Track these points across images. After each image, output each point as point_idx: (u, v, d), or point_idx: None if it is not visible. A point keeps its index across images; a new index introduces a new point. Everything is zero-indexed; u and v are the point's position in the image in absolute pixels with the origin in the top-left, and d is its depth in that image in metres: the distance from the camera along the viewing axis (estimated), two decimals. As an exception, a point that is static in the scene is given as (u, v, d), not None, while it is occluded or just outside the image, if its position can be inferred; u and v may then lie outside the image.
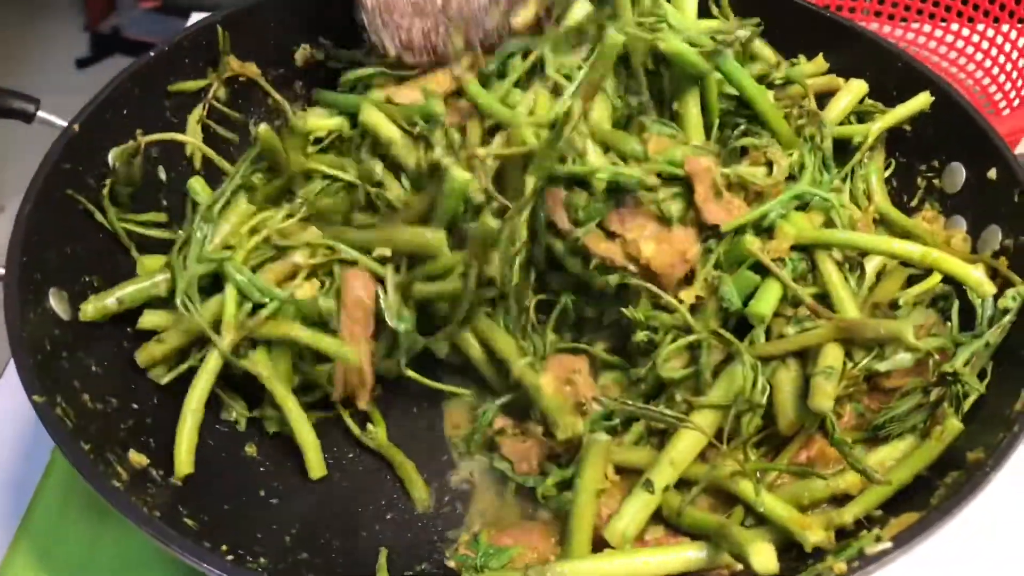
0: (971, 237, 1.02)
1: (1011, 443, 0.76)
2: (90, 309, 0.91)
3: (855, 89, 1.09)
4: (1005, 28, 1.45)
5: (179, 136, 1.05)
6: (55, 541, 0.95)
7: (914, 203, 1.10)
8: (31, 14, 3.31)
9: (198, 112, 1.08)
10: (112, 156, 0.98)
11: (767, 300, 0.88)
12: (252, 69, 1.12)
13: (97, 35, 3.15)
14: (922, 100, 1.05)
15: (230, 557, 0.82)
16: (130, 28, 3.19)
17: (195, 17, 1.26)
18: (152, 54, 1.02)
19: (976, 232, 1.01)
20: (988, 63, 1.47)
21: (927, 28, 1.52)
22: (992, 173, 0.99)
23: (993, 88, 1.45)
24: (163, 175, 1.05)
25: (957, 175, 1.05)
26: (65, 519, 0.97)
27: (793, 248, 0.91)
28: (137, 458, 0.86)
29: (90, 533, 0.96)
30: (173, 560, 0.93)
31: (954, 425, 0.84)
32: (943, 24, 1.51)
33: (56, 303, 0.88)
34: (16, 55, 3.07)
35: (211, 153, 1.08)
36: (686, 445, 0.85)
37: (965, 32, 1.50)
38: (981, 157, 1.00)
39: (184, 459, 0.88)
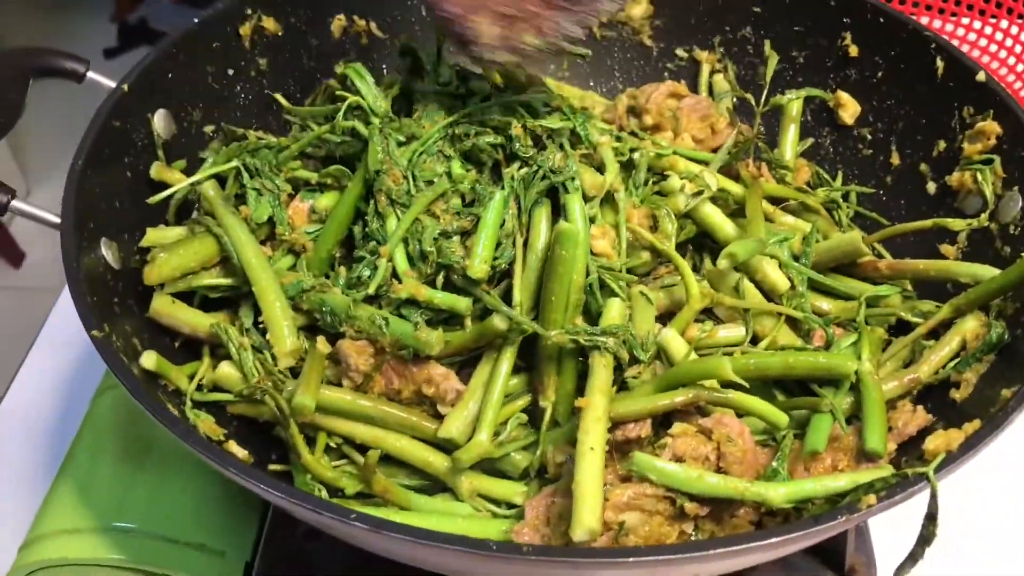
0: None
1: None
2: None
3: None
4: (1004, 24, 1.46)
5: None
6: (91, 485, 0.98)
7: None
8: (62, 5, 3.37)
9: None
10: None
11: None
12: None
13: (125, 26, 3.21)
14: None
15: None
16: (157, 19, 3.25)
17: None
18: (197, 21, 1.06)
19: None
20: (986, 59, 1.48)
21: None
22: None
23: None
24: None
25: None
26: (101, 466, 1.00)
27: None
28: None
29: (124, 479, 0.99)
30: (198, 503, 0.97)
31: None
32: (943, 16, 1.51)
33: (107, 252, 0.92)
34: (46, 45, 3.13)
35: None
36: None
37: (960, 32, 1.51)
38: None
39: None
